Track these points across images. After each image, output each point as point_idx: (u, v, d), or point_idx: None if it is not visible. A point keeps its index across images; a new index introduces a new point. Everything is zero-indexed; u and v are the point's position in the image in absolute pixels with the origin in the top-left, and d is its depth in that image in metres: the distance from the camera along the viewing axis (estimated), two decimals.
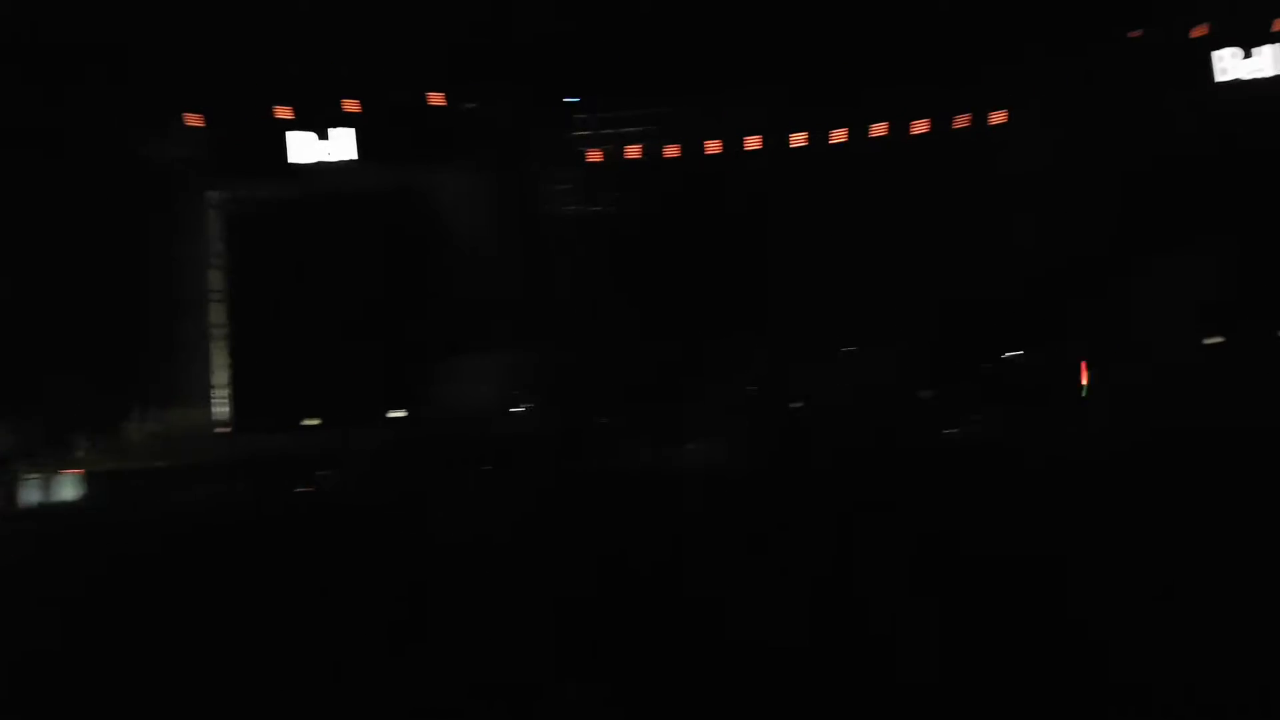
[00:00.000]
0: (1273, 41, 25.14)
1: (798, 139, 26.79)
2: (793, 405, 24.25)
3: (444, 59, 26.11)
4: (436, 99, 26.43)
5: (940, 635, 7.52)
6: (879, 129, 26.24)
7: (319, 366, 26.37)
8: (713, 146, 27.32)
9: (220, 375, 27.58)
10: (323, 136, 27.02)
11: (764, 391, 24.70)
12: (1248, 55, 25.23)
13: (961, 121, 26.07)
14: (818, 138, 26.71)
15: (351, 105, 26.76)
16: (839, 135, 26.51)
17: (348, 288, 26.59)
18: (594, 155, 27.25)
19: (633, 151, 27.25)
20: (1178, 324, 23.72)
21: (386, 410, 26.53)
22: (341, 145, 26.98)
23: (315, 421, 26.55)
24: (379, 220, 26.66)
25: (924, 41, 24.40)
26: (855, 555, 10.66)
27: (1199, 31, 25.35)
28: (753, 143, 26.94)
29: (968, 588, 8.79)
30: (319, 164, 27.00)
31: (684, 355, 24.92)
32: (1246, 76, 25.36)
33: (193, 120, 26.89)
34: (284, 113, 27.04)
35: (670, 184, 27.07)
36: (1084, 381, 23.36)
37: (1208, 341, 24.50)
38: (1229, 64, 25.37)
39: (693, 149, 27.52)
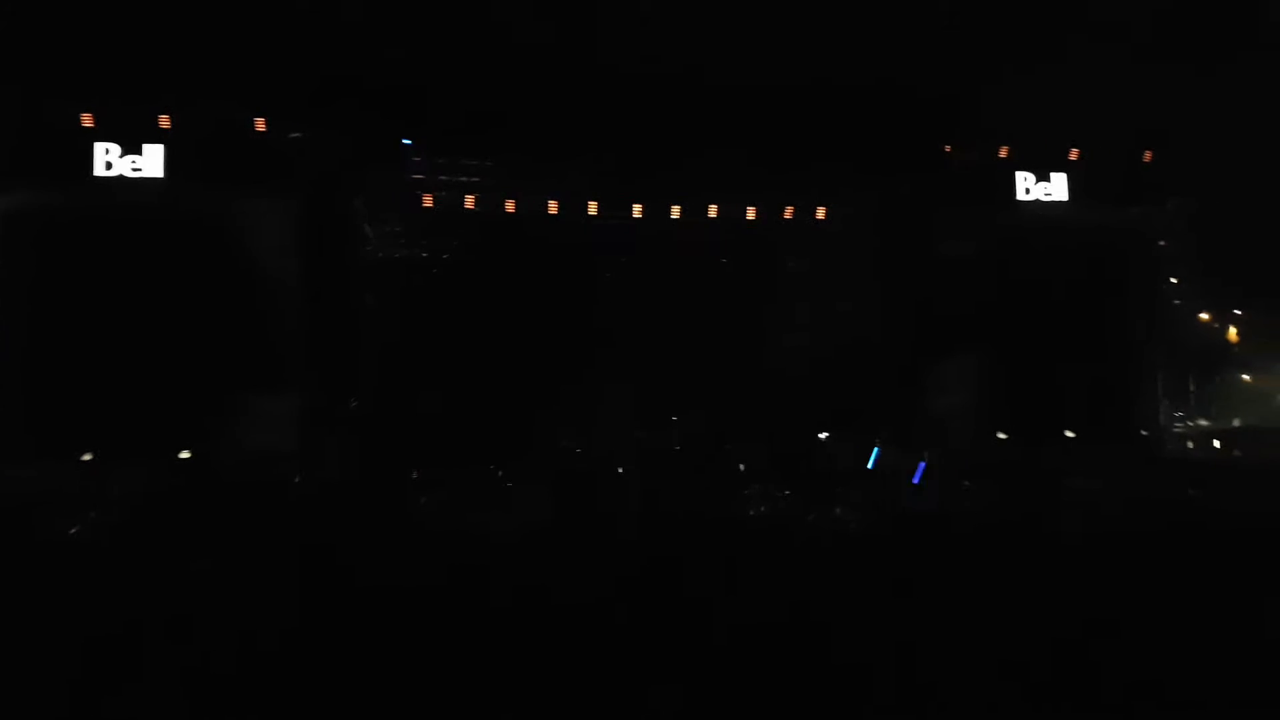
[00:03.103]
0: (1067, 170, 27.55)
1: (636, 211, 27.04)
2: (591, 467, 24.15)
3: (274, 83, 24.86)
4: (260, 124, 25.04)
5: None
6: (713, 211, 26.90)
7: (103, 397, 24.22)
8: (553, 208, 27.12)
9: None
10: (129, 150, 25.11)
11: (571, 457, 24.56)
12: (1044, 179, 27.60)
13: (786, 213, 27.15)
14: (657, 213, 27.09)
15: (165, 121, 25.01)
16: (676, 212, 26.96)
17: (141, 313, 24.66)
18: (426, 201, 26.52)
19: (468, 202, 26.70)
20: (957, 421, 25.50)
21: (171, 449, 24.53)
22: (150, 162, 25.12)
23: (89, 457, 24.24)
24: (181, 245, 24.83)
25: (760, 132, 25.28)
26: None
27: (1004, 153, 27.53)
28: (593, 209, 26.96)
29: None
30: (121, 179, 25.02)
31: (501, 414, 24.42)
32: (1043, 198, 27.65)
33: None
34: (88, 120, 25.00)
35: (504, 240, 26.73)
36: (869, 465, 24.68)
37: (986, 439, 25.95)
38: (1028, 185, 27.67)
39: (532, 208, 27.27)
